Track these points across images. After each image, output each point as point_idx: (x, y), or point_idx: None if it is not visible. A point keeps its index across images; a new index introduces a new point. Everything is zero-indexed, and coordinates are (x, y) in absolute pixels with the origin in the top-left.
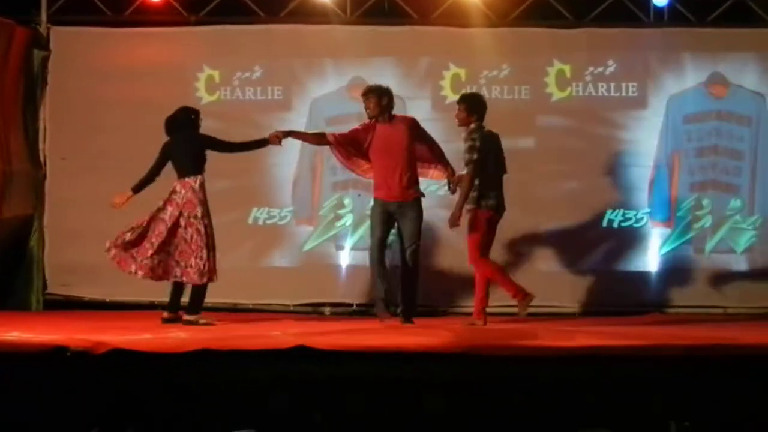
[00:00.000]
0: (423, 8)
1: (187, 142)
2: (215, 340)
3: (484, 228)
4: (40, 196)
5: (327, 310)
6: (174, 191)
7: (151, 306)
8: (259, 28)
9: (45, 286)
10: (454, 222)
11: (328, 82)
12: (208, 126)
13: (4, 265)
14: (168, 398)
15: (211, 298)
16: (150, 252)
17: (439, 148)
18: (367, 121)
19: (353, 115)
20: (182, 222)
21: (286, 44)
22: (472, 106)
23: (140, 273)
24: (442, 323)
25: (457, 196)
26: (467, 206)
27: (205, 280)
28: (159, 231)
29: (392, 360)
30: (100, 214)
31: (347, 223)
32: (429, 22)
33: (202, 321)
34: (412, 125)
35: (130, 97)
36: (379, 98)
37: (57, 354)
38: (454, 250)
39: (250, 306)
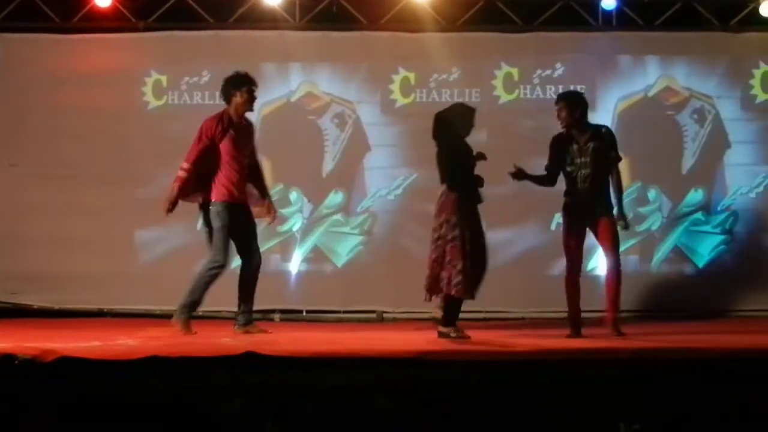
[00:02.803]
0: (372, 13)
1: None
2: (164, 347)
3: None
4: None
5: (277, 316)
6: None
7: (100, 314)
8: (207, 33)
9: None
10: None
11: (277, 88)
12: (155, 131)
13: None
14: (117, 406)
15: (159, 306)
16: None
17: None
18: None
19: (302, 120)
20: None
21: (235, 49)
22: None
23: None
24: (395, 327)
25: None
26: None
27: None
28: None
29: (342, 365)
30: (50, 222)
31: (295, 228)
32: (378, 27)
33: (453, 334)
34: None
35: (79, 103)
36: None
37: (5, 362)
38: None
39: (200, 313)
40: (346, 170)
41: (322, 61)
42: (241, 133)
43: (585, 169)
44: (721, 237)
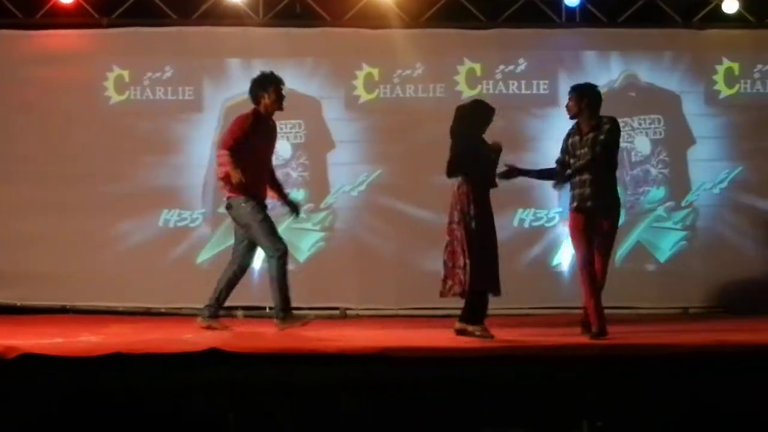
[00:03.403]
0: (335, 10)
1: None
2: (128, 344)
3: None
4: None
5: (240, 313)
6: None
7: (63, 310)
8: (170, 29)
9: None
10: None
11: (239, 83)
12: (117, 126)
13: None
14: (80, 403)
15: (121, 302)
16: None
17: None
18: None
19: None
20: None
21: (198, 46)
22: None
23: None
24: (358, 324)
25: None
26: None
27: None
28: None
29: (305, 362)
30: (12, 218)
31: None
32: (341, 23)
33: (477, 333)
34: None
35: (42, 98)
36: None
37: None
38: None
39: (163, 310)
40: (308, 167)
41: (286, 58)
42: (271, 133)
43: (584, 160)
44: (683, 233)
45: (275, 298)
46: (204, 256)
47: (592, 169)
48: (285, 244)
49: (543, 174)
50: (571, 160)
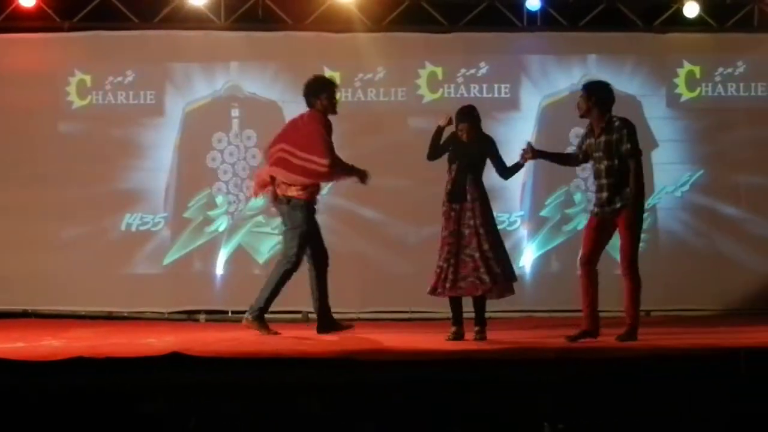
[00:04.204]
0: (297, 14)
1: None
2: (90, 348)
3: None
4: None
5: (202, 317)
6: None
7: (25, 314)
8: (132, 33)
9: None
10: None
11: (201, 87)
12: (79, 130)
13: None
14: (42, 407)
15: (84, 306)
16: None
17: None
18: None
19: (225, 120)
20: None
21: (160, 50)
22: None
23: None
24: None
25: None
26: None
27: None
28: None
29: (267, 366)
30: None
31: (220, 229)
32: (303, 27)
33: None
34: None
35: (3, 102)
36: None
37: None
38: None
39: (125, 314)
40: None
41: (247, 61)
42: None
43: (600, 164)
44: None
45: (260, 297)
46: (170, 258)
47: (619, 170)
48: (302, 260)
49: (560, 158)
50: (590, 162)
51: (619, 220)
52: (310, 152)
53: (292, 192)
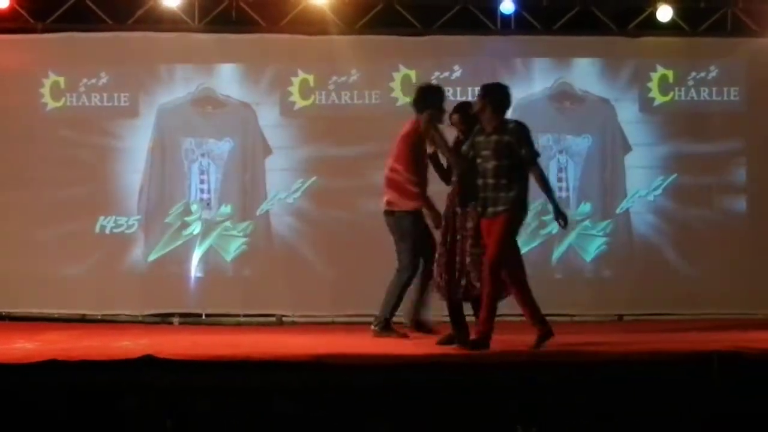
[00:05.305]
0: (271, 16)
1: None
2: (63, 350)
3: None
4: None
5: (176, 320)
6: None
7: None
8: (106, 35)
9: None
10: None
11: (175, 89)
12: (53, 132)
13: None
14: (15, 409)
15: (58, 309)
16: None
17: None
18: None
19: (200, 122)
20: None
21: (133, 51)
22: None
23: None
24: (294, 331)
25: None
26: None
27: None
28: None
29: (239, 368)
30: None
31: (195, 232)
32: (277, 29)
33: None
34: None
35: None
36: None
37: None
38: None
39: (99, 316)
40: (243, 173)
41: (221, 63)
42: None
43: (487, 163)
44: (603, 239)
45: (384, 308)
46: (147, 260)
47: (506, 171)
48: (419, 265)
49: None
50: (478, 160)
51: (496, 222)
52: (396, 161)
53: (395, 204)
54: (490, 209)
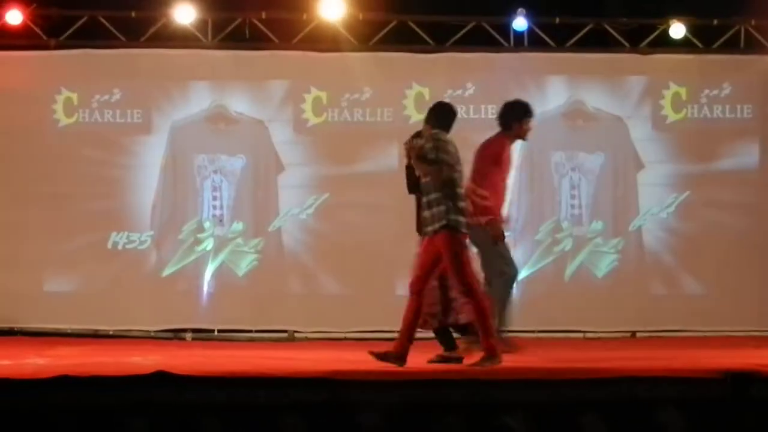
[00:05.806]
0: (284, 33)
1: None
2: (74, 366)
3: None
4: None
5: (188, 335)
6: None
7: (10, 332)
8: (119, 52)
9: None
10: None
11: (188, 106)
12: (66, 148)
13: None
14: (26, 426)
15: (69, 325)
16: None
17: None
18: None
19: (213, 138)
20: None
21: (147, 68)
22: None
23: None
24: (306, 347)
25: None
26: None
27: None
28: None
29: (252, 385)
30: None
31: (207, 248)
32: (290, 46)
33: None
34: None
35: None
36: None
37: None
38: None
39: (111, 332)
40: (256, 190)
41: (234, 80)
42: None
43: (426, 177)
44: (615, 256)
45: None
46: (160, 276)
47: (432, 191)
48: (514, 265)
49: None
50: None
51: (437, 243)
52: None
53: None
54: (429, 228)
